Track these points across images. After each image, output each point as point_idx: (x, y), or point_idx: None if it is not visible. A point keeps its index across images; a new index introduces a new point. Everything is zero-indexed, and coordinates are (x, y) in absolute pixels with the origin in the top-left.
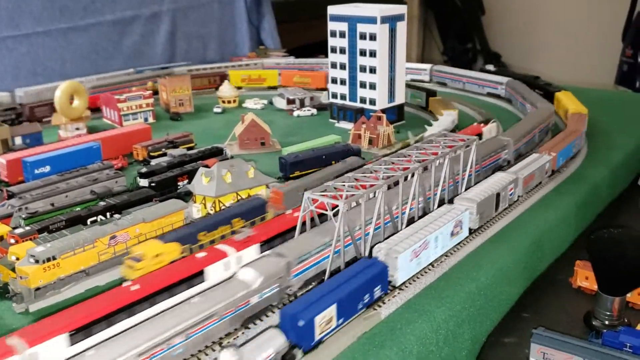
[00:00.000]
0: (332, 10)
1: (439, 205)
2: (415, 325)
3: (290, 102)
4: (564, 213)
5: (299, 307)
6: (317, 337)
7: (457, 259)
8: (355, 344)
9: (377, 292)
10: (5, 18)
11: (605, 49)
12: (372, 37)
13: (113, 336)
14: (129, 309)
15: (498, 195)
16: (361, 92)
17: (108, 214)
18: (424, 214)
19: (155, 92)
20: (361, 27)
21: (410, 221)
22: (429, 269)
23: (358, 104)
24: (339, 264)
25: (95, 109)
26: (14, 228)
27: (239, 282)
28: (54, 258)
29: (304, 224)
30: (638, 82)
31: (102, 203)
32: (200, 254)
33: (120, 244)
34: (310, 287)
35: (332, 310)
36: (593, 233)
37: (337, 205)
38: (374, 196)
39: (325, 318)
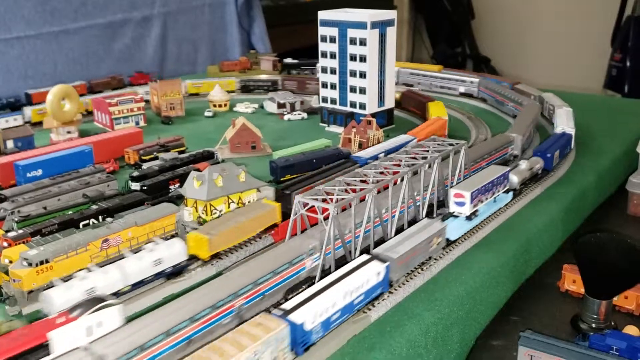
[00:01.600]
0: (322, 15)
1: (428, 211)
2: (404, 328)
3: (280, 105)
4: (551, 217)
5: (542, 149)
6: (553, 164)
7: (446, 262)
8: (344, 346)
9: (556, 159)
10: None
11: (594, 53)
12: (362, 42)
13: None
14: None
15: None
16: (351, 97)
17: (100, 218)
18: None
19: None
20: (351, 33)
21: (400, 228)
22: (418, 272)
23: (348, 108)
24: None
25: None
26: (7, 231)
27: None
28: (47, 261)
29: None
30: (627, 87)
31: (94, 206)
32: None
33: (112, 247)
34: None
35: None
36: (580, 237)
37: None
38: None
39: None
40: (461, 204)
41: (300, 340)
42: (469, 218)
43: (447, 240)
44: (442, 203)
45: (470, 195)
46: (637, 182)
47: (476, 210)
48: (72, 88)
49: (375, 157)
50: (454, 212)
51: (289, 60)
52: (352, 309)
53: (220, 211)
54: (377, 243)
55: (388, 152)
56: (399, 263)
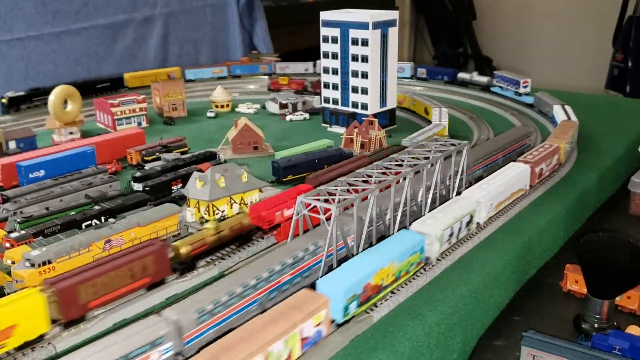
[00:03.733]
0: (324, 15)
1: (429, 210)
2: (407, 328)
3: (282, 106)
4: (553, 217)
5: None
6: None
7: (448, 263)
8: (347, 347)
9: None
10: None
11: (596, 53)
12: (364, 43)
13: None
14: None
15: None
16: (353, 97)
17: (103, 218)
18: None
19: None
20: (353, 33)
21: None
22: (421, 273)
23: (350, 109)
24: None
25: None
26: (9, 232)
27: None
28: (50, 262)
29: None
30: (628, 87)
31: (96, 207)
32: None
33: (115, 248)
34: None
35: None
36: (582, 237)
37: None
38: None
39: None
40: None
41: None
42: None
43: None
44: (445, 200)
45: None
46: (639, 181)
47: None
48: (75, 89)
49: None
50: None
51: (10, 93)
52: None
53: (222, 211)
54: (379, 240)
55: None
56: None
